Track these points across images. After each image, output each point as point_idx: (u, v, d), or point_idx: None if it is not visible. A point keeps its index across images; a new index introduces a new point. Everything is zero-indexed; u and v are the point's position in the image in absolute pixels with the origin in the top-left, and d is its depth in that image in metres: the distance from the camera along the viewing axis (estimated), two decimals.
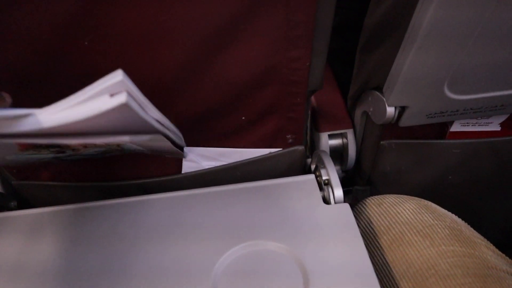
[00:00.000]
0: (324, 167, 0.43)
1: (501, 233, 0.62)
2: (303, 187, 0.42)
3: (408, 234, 0.39)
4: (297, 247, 0.36)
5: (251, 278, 0.34)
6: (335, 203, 0.40)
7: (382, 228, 0.41)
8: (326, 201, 0.41)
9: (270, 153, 0.48)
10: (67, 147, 0.36)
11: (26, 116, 0.24)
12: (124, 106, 0.24)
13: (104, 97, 0.24)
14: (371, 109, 0.48)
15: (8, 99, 0.28)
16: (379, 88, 0.45)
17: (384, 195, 0.46)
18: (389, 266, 0.38)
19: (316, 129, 0.56)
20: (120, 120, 0.28)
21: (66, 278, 0.36)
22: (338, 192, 0.40)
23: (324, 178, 0.42)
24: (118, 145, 0.38)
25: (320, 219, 0.38)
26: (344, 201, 0.40)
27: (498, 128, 0.51)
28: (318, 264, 0.34)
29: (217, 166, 0.47)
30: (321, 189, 0.42)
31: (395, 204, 0.43)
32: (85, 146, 0.37)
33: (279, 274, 0.34)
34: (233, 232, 0.38)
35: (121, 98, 0.23)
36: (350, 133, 0.55)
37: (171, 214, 0.40)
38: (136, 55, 0.34)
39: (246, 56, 0.36)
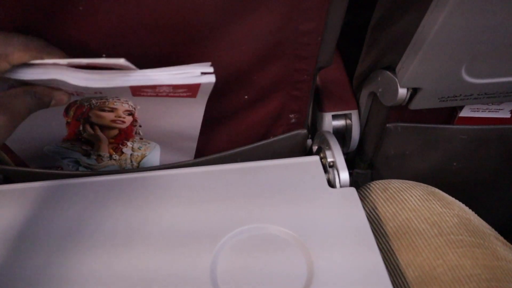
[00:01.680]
0: (329, 148, 0.41)
1: (505, 223, 0.62)
2: (307, 168, 0.40)
3: (415, 222, 0.37)
4: (301, 232, 0.34)
5: (252, 262, 0.33)
6: (340, 186, 0.38)
7: (388, 214, 0.39)
8: (331, 184, 0.39)
9: (272, 138, 0.45)
10: (98, 149, 0.42)
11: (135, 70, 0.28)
12: (209, 85, 0.30)
13: (196, 71, 0.29)
14: (380, 90, 0.46)
15: None
16: (391, 68, 0.42)
17: (389, 180, 0.44)
18: (395, 254, 0.37)
19: (320, 109, 0.54)
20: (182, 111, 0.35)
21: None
22: (344, 175, 0.38)
23: (329, 160, 0.40)
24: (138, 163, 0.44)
25: (325, 203, 0.36)
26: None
27: (508, 115, 0.49)
28: (323, 252, 0.33)
29: (216, 154, 0.45)
30: (325, 171, 0.40)
31: (401, 190, 0.41)
32: (111, 155, 0.43)
33: (282, 259, 0.33)
34: (233, 214, 0.36)
35: (211, 78, 0.29)
36: (354, 114, 0.53)
37: (165, 192, 0.38)
38: (133, 28, 0.31)
39: (254, 31, 0.33)
